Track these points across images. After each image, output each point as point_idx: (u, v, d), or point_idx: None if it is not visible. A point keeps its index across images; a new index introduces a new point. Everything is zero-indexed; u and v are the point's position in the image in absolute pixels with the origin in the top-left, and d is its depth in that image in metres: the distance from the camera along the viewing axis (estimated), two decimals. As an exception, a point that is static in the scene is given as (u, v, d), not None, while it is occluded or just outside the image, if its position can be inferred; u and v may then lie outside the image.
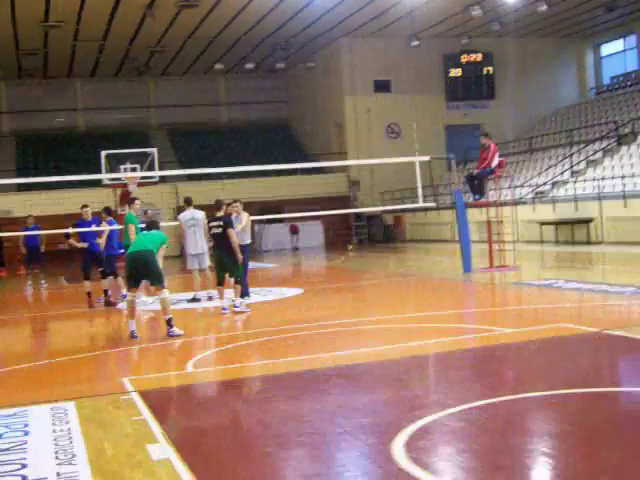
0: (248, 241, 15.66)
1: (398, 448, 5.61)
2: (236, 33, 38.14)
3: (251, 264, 24.79)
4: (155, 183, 31.59)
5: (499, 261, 19.03)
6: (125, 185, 27.57)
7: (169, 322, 11.72)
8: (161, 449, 6.03)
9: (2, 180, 38.20)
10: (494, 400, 6.80)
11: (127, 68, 44.39)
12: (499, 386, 7.57)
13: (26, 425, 7.02)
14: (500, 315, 12.31)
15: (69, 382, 9.17)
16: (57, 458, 5.98)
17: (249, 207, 28.26)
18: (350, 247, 36.68)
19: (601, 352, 9.07)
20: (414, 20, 35.11)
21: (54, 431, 6.75)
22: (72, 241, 17.41)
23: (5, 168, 42.17)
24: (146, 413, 7.15)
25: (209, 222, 14.70)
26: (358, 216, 40.90)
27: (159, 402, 7.81)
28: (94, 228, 17.01)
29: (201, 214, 16.67)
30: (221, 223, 14.22)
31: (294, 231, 39.80)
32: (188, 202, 16.99)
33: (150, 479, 5.41)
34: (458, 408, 6.56)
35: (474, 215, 23.88)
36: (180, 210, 19.50)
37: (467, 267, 18.72)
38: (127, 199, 27.96)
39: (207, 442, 6.31)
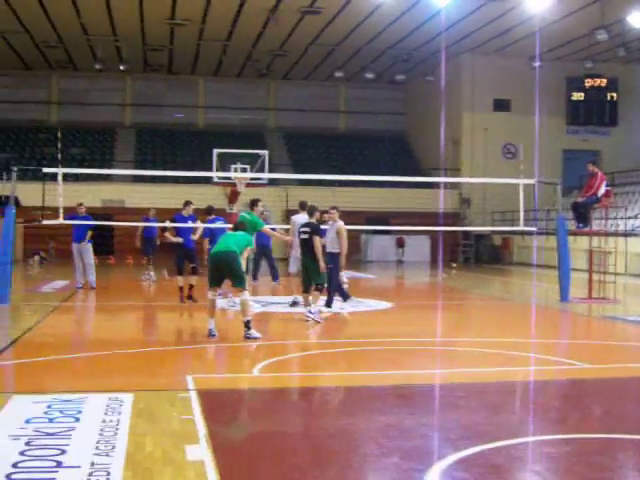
0: (338, 250, 15.48)
1: (433, 477, 5.47)
2: (358, 42, 38.27)
3: (351, 273, 24.84)
4: (264, 185, 31.83)
5: (599, 293, 18.46)
6: (234, 185, 27.85)
7: (247, 324, 11.76)
8: (198, 451, 6.02)
9: (118, 170, 39.78)
10: (548, 437, 6.57)
11: (249, 70, 45.06)
12: (558, 423, 7.26)
13: (79, 412, 7.13)
14: (583, 349, 11.91)
15: (135, 374, 9.32)
16: (97, 448, 6.05)
17: (357, 216, 28.36)
18: (454, 265, 36.24)
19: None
20: (538, 40, 34.50)
21: (103, 421, 6.84)
22: (168, 235, 17.67)
23: (124, 159, 43.44)
24: (197, 413, 7.16)
25: (300, 227, 14.63)
26: (466, 234, 40.42)
27: (214, 403, 7.83)
28: (190, 224, 17.27)
29: None
30: (309, 229, 14.18)
31: (400, 244, 39.59)
32: (302, 206, 16.73)
33: (178, 479, 5.42)
34: (508, 442, 6.34)
35: (582, 243, 23.26)
36: (293, 213, 19.34)
37: (564, 296, 18.21)
38: (236, 199, 28.37)
39: (246, 449, 6.29)
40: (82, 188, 36.92)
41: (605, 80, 40.79)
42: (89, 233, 20.38)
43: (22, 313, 15.28)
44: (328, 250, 15.24)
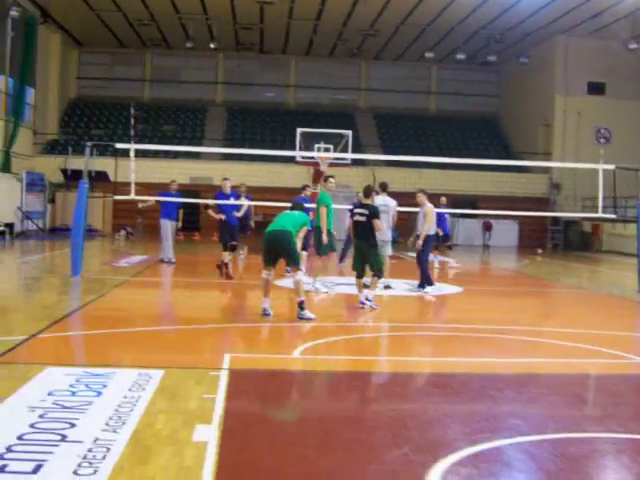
0: (431, 232, 16.04)
1: (438, 471, 5.25)
2: (449, 22, 37.72)
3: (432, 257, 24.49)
4: (347, 165, 31.79)
5: (680, 285, 17.72)
6: (317, 164, 27.86)
7: (301, 305, 11.66)
8: (207, 431, 5.90)
9: (206, 148, 40.13)
10: (573, 435, 6.26)
11: (340, 49, 44.90)
12: (591, 421, 6.88)
13: (104, 387, 7.12)
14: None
15: (174, 350, 9.31)
16: (107, 424, 6.00)
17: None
18: (540, 251, 35.53)
19: None
20: (634, 22, 33.37)
21: (125, 397, 6.80)
22: (210, 212, 18.08)
23: (214, 137, 43.79)
24: (221, 392, 7.06)
25: (353, 208, 13.98)
26: (556, 220, 39.56)
27: (242, 383, 7.72)
28: (231, 201, 17.60)
29: (393, 202, 16.34)
30: (366, 212, 13.45)
31: (487, 228, 39.03)
32: (383, 187, 16.64)
33: (175, 459, 5.31)
34: (529, 438, 6.06)
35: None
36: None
37: (641, 286, 17.61)
38: (319, 178, 28.38)
39: (257, 433, 6.11)
40: (171, 165, 37.52)
41: None
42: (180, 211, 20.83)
43: (89, 286, 15.48)
44: (419, 233, 15.81)
